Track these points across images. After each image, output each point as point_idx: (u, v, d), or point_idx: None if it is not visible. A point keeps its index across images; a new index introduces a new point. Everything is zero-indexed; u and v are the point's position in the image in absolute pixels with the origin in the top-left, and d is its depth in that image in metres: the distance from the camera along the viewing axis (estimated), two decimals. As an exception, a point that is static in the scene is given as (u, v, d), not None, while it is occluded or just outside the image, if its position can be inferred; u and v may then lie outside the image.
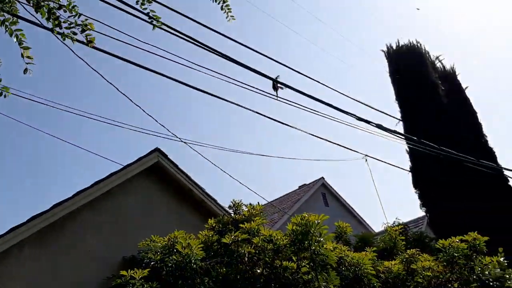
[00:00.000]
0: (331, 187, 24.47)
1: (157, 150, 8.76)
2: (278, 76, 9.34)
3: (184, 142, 10.08)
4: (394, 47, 16.70)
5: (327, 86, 8.30)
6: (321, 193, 24.00)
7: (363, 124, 9.26)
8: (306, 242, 5.38)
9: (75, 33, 4.40)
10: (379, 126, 9.45)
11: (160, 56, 6.15)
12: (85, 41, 4.50)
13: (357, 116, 8.94)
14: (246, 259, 5.84)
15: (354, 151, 11.15)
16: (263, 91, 7.30)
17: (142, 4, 4.59)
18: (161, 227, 7.53)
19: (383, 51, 16.85)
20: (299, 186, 25.52)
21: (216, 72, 6.62)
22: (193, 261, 5.81)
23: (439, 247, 6.58)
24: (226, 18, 5.41)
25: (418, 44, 16.55)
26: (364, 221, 24.45)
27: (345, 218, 23.69)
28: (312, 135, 9.21)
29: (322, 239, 5.43)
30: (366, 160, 16.81)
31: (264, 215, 7.48)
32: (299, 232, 5.44)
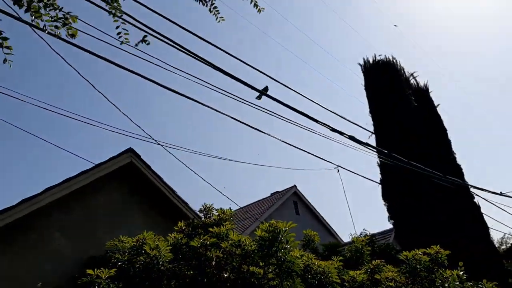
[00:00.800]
0: (303, 195, 24.71)
1: (130, 150, 8.74)
2: (266, 86, 9.48)
3: (158, 143, 10.12)
4: (371, 61, 17.02)
5: (303, 95, 8.45)
6: (293, 201, 24.22)
7: (337, 135, 9.53)
8: (273, 249, 5.45)
9: (57, 27, 4.41)
10: (351, 138, 9.63)
11: (145, 59, 6.20)
12: (66, 35, 4.50)
13: (331, 127, 9.10)
14: (213, 263, 5.89)
15: (327, 161, 11.31)
16: (241, 98, 7.42)
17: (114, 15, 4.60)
18: (131, 228, 7.52)
19: (360, 64, 17.17)
20: (272, 193, 25.69)
21: (195, 77, 6.68)
22: (160, 262, 5.82)
23: (402, 258, 6.75)
24: (216, 20, 5.57)
25: (394, 60, 16.92)
26: (334, 231, 24.75)
27: (315, 227, 23.95)
28: (285, 142, 9.29)
29: (288, 246, 5.52)
30: (338, 171, 17.12)
31: (235, 220, 7.54)
32: (266, 238, 5.51)
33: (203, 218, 7.81)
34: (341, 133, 9.61)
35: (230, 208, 7.53)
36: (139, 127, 9.29)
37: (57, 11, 4.43)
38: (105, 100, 7.16)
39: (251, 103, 8.11)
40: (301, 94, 8.52)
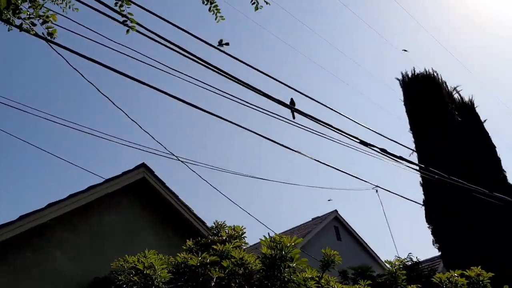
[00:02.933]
0: (344, 220, 23.62)
1: (143, 165, 8.29)
2: (292, 98, 8.89)
3: (180, 161, 9.64)
4: (410, 75, 16.10)
5: (337, 112, 7.81)
6: (334, 226, 23.15)
7: (373, 151, 8.83)
8: (276, 268, 4.75)
9: (33, 24, 4.13)
10: (383, 151, 8.89)
11: (154, 67, 5.78)
12: (45, 34, 4.19)
13: (359, 139, 8.41)
14: (213, 283, 5.22)
15: (364, 181, 10.57)
16: (277, 114, 6.97)
17: (121, 6, 4.23)
18: (143, 247, 6.96)
19: (398, 79, 16.25)
20: (313, 218, 24.71)
21: (229, 94, 6.17)
22: (155, 283, 5.23)
23: (436, 281, 5.86)
24: (215, 19, 5.34)
25: (435, 73, 15.91)
26: (378, 257, 23.40)
27: (358, 253, 22.78)
28: (318, 161, 8.68)
29: (293, 265, 4.80)
30: (377, 191, 16.13)
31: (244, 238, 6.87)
32: (269, 256, 4.82)
33: (215, 237, 7.20)
34: (370, 146, 8.88)
35: (242, 226, 6.90)
36: (160, 144, 8.86)
37: (38, 8, 4.13)
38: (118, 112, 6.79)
39: (286, 118, 7.65)
40: (335, 111, 7.89)
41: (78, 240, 7.27)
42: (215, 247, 5.79)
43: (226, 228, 7.24)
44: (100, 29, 4.83)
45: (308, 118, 7.64)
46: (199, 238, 6.91)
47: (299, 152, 8.13)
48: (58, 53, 7.48)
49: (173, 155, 9.35)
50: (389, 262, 8.25)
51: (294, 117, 8.78)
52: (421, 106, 15.43)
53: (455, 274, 5.73)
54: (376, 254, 23.39)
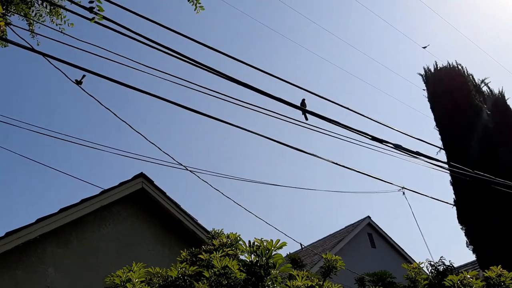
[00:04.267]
0: (378, 226, 22.71)
1: (141, 175, 7.95)
2: (304, 99, 8.48)
3: (189, 170, 9.28)
4: (432, 70, 15.32)
5: (355, 111, 7.36)
6: (367, 233, 22.30)
7: (387, 147, 8.33)
8: (256, 277, 4.26)
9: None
10: (397, 146, 8.32)
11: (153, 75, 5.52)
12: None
13: (370, 136, 7.87)
14: (194, 296, 4.77)
15: (389, 182, 9.98)
16: (289, 117, 6.66)
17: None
18: (144, 261, 6.61)
19: (420, 74, 15.51)
20: (346, 226, 23.93)
21: (235, 99, 5.86)
22: (133, 298, 4.84)
23: (448, 284, 5.23)
24: (195, 10, 5.35)
25: (459, 67, 15.08)
26: (416, 262, 22.33)
27: (394, 260, 21.81)
28: (337, 164, 8.20)
29: (275, 272, 4.29)
30: (403, 193, 15.35)
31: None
32: (249, 263, 4.34)
33: (207, 246, 6.77)
34: (383, 142, 8.33)
35: (236, 233, 6.43)
36: (168, 155, 8.56)
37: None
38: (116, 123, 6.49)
39: (298, 120, 7.33)
40: (354, 111, 7.43)
41: (72, 255, 6.97)
42: (201, 256, 5.36)
43: (224, 236, 6.80)
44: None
45: (318, 118, 7.30)
46: (193, 249, 6.49)
47: (326, 159, 7.69)
48: (56, 67, 7.32)
49: (181, 164, 9.04)
50: (407, 266, 7.61)
51: (306, 119, 8.35)
52: (446, 101, 14.64)
53: (469, 276, 5.09)
54: (413, 259, 22.40)
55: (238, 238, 6.56)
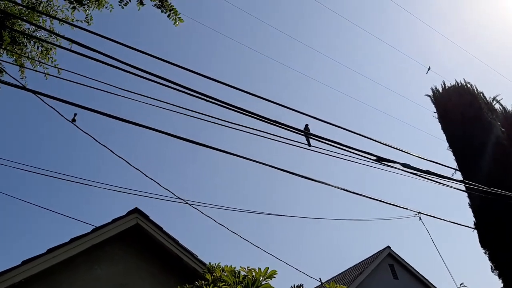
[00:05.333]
0: (399, 256, 21.84)
1: (136, 211, 7.57)
2: (307, 124, 8.29)
3: (191, 205, 8.91)
4: (441, 89, 14.90)
5: (363, 136, 7.08)
6: (388, 264, 21.43)
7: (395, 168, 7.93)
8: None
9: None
10: (406, 166, 7.88)
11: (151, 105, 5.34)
12: None
13: (375, 155, 7.47)
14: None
15: (404, 208, 9.51)
16: (292, 140, 6.46)
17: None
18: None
19: (428, 95, 15.09)
20: (366, 258, 23.09)
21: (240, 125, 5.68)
22: None
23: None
24: (174, 23, 5.52)
25: (468, 84, 14.64)
26: (441, 292, 21.35)
27: (419, 291, 20.90)
28: (347, 190, 7.78)
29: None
30: (420, 218, 14.72)
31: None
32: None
33: (200, 281, 6.31)
34: (389, 161, 7.91)
35: (231, 266, 5.97)
36: (168, 190, 8.23)
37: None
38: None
39: (301, 142, 7.21)
40: (361, 135, 7.14)
41: (62, 299, 6.53)
42: (190, 292, 4.91)
43: (217, 270, 6.34)
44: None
45: (319, 140, 7.00)
46: (186, 285, 6.04)
47: (335, 186, 7.31)
48: (50, 106, 7.15)
49: (181, 199, 8.67)
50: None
51: (309, 145, 8.04)
52: (457, 121, 14.14)
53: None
54: (437, 288, 21.43)
55: (236, 270, 6.12)
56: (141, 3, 5.62)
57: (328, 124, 6.48)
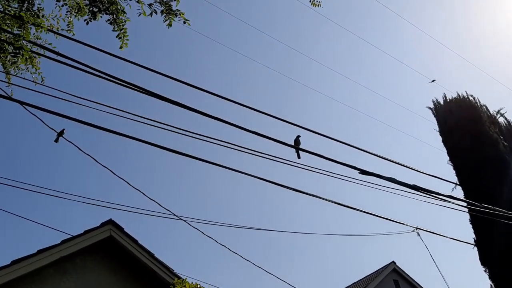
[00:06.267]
0: (404, 272, 21.32)
1: (110, 222, 7.38)
2: (299, 136, 8.14)
3: (184, 221, 8.73)
4: (442, 102, 14.54)
5: (358, 148, 6.88)
6: (393, 280, 20.92)
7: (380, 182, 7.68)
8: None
9: None
10: (391, 180, 7.60)
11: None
12: None
13: (359, 169, 7.21)
14: None
15: (400, 223, 9.24)
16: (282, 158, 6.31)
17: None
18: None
19: (429, 108, 14.73)
20: (370, 274, 22.60)
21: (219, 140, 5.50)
22: None
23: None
24: (121, 46, 5.51)
25: (470, 97, 14.26)
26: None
27: (426, 307, 20.34)
28: (340, 204, 7.53)
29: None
30: (418, 234, 14.30)
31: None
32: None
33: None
34: (373, 175, 7.64)
35: (197, 283, 5.77)
36: (155, 201, 8.05)
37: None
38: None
39: (287, 160, 6.97)
40: (355, 147, 6.96)
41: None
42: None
43: (185, 283, 6.12)
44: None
45: (307, 152, 6.81)
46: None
47: (328, 200, 7.08)
48: (32, 114, 7.08)
49: (170, 212, 8.48)
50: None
51: (299, 157, 7.83)
52: (459, 134, 13.76)
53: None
54: (445, 306, 20.81)
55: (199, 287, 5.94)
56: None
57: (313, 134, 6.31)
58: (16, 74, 7.98)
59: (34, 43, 7.32)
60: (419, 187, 8.14)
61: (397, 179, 7.78)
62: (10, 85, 8.20)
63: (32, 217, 7.48)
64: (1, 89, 8.12)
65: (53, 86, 5.12)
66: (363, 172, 7.47)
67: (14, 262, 6.33)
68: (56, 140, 6.70)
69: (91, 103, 5.11)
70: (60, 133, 6.75)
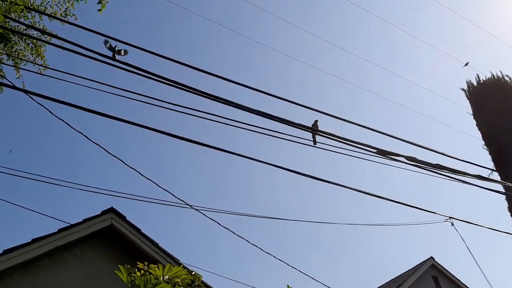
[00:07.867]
0: (443, 268, 20.28)
1: (111, 210, 7.03)
2: (316, 120, 7.79)
3: (192, 207, 8.38)
4: (475, 83, 13.64)
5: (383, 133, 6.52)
6: (431, 276, 19.93)
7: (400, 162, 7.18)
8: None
9: None
10: (411, 159, 7.07)
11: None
12: None
13: (376, 148, 6.75)
14: None
15: (433, 212, 8.62)
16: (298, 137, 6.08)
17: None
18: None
19: (463, 89, 13.85)
20: (408, 270, 21.64)
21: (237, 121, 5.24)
22: None
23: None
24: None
25: (506, 77, 13.32)
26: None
27: (467, 304, 19.33)
28: (365, 192, 7.02)
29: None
30: (452, 224, 13.41)
31: None
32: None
33: None
34: (391, 154, 7.18)
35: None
36: (168, 191, 7.72)
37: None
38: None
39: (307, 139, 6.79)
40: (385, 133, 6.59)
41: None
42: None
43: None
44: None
45: (323, 136, 6.53)
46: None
47: (350, 188, 6.66)
48: (41, 105, 6.85)
49: (183, 201, 8.11)
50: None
51: (315, 143, 7.43)
52: (495, 117, 12.86)
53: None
54: (488, 303, 19.65)
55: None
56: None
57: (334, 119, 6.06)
58: (25, 65, 7.84)
59: (42, 31, 7.14)
60: (443, 166, 7.50)
61: (418, 158, 7.25)
62: (21, 76, 8.02)
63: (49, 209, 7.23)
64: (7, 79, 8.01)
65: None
66: (380, 151, 6.97)
67: (6, 252, 6.04)
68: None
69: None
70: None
